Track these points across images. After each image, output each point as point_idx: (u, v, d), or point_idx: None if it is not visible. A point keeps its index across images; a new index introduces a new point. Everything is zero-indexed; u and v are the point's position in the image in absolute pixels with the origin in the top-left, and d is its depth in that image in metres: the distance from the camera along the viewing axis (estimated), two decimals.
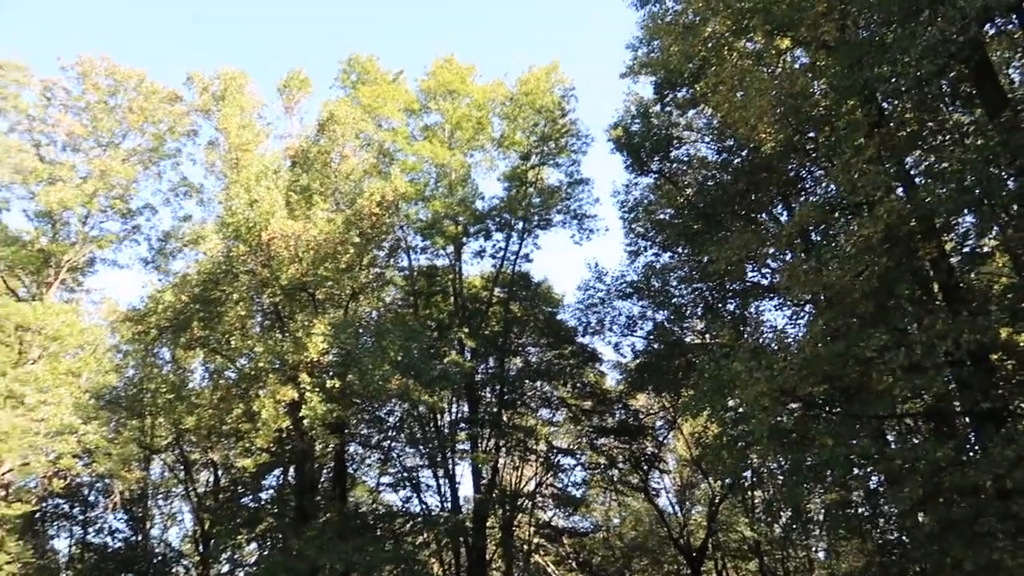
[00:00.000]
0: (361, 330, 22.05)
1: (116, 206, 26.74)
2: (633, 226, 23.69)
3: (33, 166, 25.01)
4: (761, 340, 18.03)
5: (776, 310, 20.99)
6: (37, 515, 25.51)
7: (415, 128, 27.00)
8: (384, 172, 23.86)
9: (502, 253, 27.20)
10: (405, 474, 26.70)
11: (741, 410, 17.00)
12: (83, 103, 26.54)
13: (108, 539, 27.85)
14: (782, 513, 19.43)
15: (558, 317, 28.14)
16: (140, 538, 27.43)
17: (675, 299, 23.25)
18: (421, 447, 26.06)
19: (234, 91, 22.33)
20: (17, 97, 25.48)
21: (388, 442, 26.42)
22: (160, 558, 27.62)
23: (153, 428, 25.60)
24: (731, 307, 21.99)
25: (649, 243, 23.71)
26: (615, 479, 28.96)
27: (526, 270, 27.99)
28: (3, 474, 22.59)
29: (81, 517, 27.93)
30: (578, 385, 28.37)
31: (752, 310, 21.11)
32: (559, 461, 28.99)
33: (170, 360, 25.93)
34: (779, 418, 16.65)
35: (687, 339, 24.43)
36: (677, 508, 30.61)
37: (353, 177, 21.96)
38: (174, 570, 28.27)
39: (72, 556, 28.21)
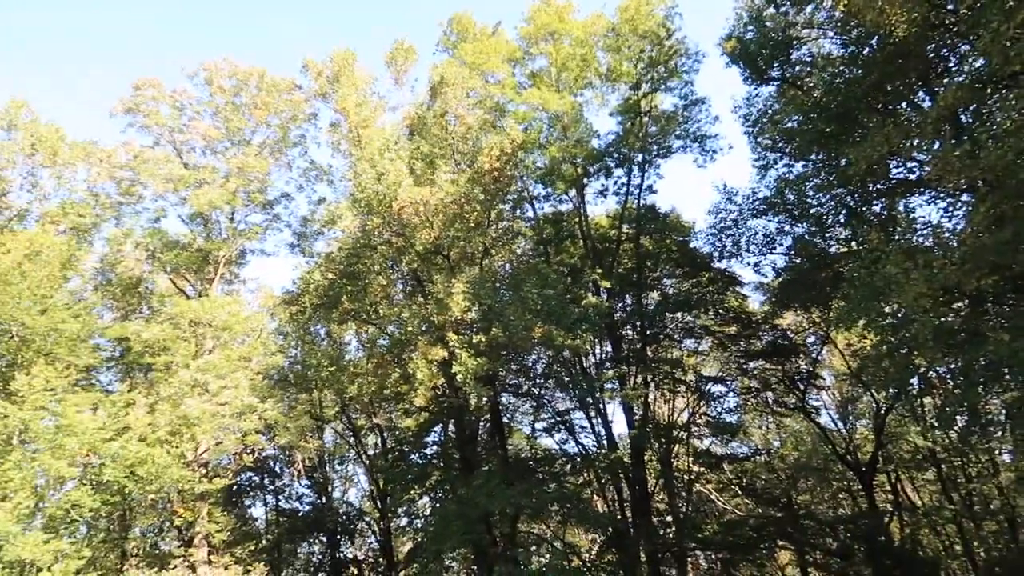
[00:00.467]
0: (498, 284, 22.55)
1: (256, 199, 28.44)
2: (759, 139, 22.66)
3: (180, 174, 26.97)
4: (915, 239, 16.97)
5: (928, 204, 19.60)
6: (235, 488, 28.22)
7: (521, 76, 26.88)
8: (498, 126, 24.00)
9: (625, 189, 26.86)
10: (558, 418, 27.36)
11: (900, 315, 16.18)
12: (212, 107, 28.26)
13: (297, 504, 30.45)
14: (957, 418, 18.39)
15: (691, 245, 27.57)
16: (324, 501, 29.76)
17: (814, 209, 22.17)
18: (570, 390, 26.53)
19: (347, 71, 23.04)
20: (157, 113, 27.45)
21: (538, 389, 27.06)
22: (344, 517, 29.88)
23: (321, 400, 27.47)
24: (877, 209, 20.73)
25: (779, 155, 22.63)
26: (770, 402, 28.39)
27: (652, 202, 27.52)
28: (201, 454, 25.08)
29: (271, 487, 30.65)
30: (720, 311, 27.82)
31: (901, 209, 19.81)
32: (710, 390, 28.71)
33: (326, 336, 27.59)
34: (944, 318, 15.74)
35: (831, 250, 23.29)
36: (840, 424, 29.64)
37: (470, 136, 22.23)
38: (358, 527, 30.55)
39: (268, 521, 31.06)
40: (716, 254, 26.08)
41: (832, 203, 21.81)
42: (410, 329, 21.01)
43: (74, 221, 25.90)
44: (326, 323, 25.60)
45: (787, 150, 22.19)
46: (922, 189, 19.08)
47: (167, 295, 27.65)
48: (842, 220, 22.14)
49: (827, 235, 23.27)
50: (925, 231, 17.01)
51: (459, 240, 21.53)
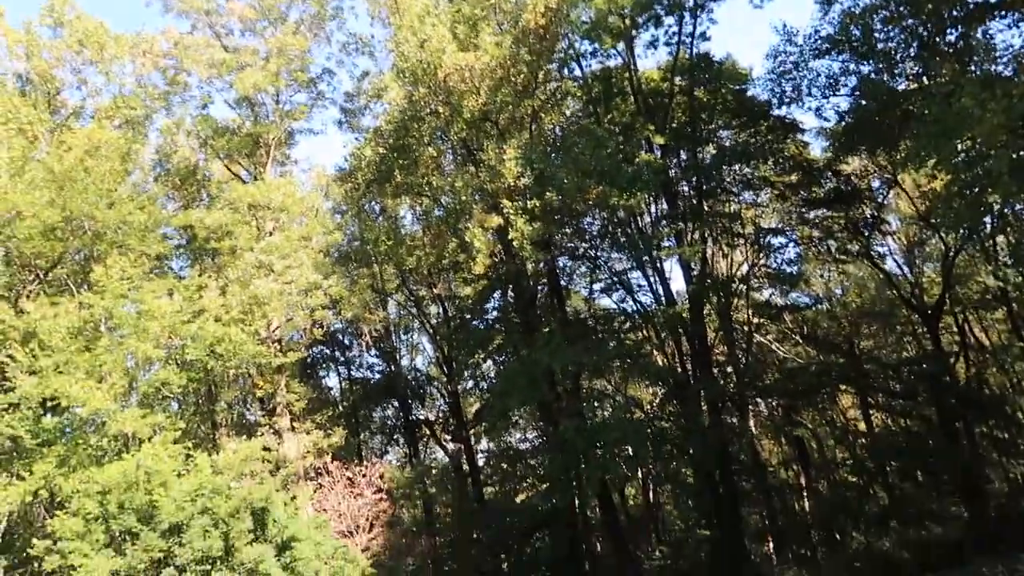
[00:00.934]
0: (549, 148, 22.16)
1: (299, 78, 28.00)
2: None
3: (222, 58, 26.61)
4: (993, 68, 15.84)
5: (1009, 29, 18.12)
6: (308, 360, 29.68)
7: None
8: None
9: (676, 38, 25.41)
10: (615, 278, 27.51)
11: (973, 151, 15.39)
12: None
13: (367, 373, 31.98)
14: None
15: (748, 94, 26.32)
16: (393, 368, 31.12)
17: (881, 45, 20.74)
18: (627, 250, 26.48)
19: None
20: None
21: (594, 251, 27.10)
22: (413, 382, 31.32)
23: (382, 274, 28.12)
24: (952, 38, 19.27)
25: None
26: (832, 250, 27.87)
27: (705, 50, 26.06)
28: (273, 331, 26.27)
29: (342, 358, 32.14)
30: (780, 161, 26.89)
31: (979, 36, 18.36)
32: (769, 241, 28.27)
33: (381, 211, 27.86)
34: (1022, 152, 14.92)
35: (900, 87, 21.96)
36: (905, 269, 29.07)
37: None
38: (427, 391, 32.05)
39: (342, 390, 32.82)
40: (775, 101, 24.91)
41: (902, 36, 20.35)
42: (464, 198, 21.04)
43: (127, 115, 26.11)
44: (380, 198, 25.78)
45: None
46: (1002, 12, 17.57)
47: (223, 181, 28.10)
48: (912, 54, 20.71)
49: (896, 72, 21.88)
50: (1005, 58, 15.85)
51: (507, 105, 21.03)
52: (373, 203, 26.95)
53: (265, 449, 21.95)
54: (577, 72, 25.95)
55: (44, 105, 24.85)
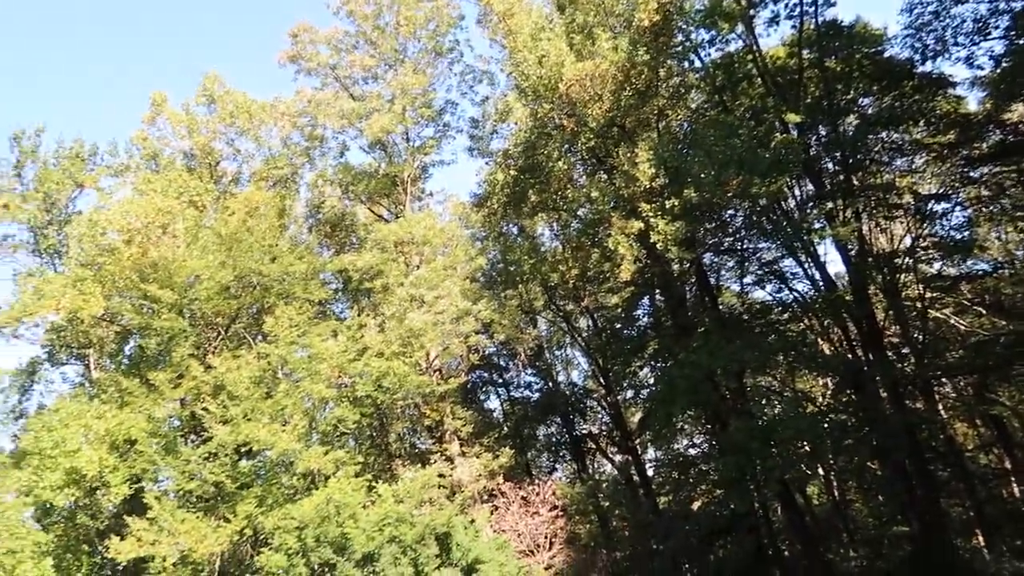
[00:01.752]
0: (680, 144, 21.73)
1: (424, 113, 29.13)
2: None
3: (351, 107, 28.18)
4: None
5: None
6: (468, 386, 30.46)
7: None
8: None
9: (799, 9, 24.23)
10: (766, 269, 26.38)
11: None
12: (363, 37, 28.95)
13: (527, 392, 32.36)
14: None
15: (886, 55, 24.62)
16: (551, 385, 31.32)
17: None
18: (775, 238, 25.36)
19: None
20: (317, 54, 28.67)
21: (740, 243, 26.16)
22: (572, 397, 31.36)
23: (528, 293, 28.49)
24: None
25: None
26: (1007, 207, 25.41)
27: (832, 17, 24.69)
28: (433, 360, 27.19)
29: (500, 380, 32.72)
30: (931, 120, 24.89)
31: None
32: (931, 209, 26.16)
33: (519, 231, 28.30)
34: None
35: None
36: None
37: None
38: (587, 404, 31.98)
39: (504, 411, 33.36)
40: (917, 57, 23.12)
41: None
42: (601, 207, 20.95)
43: (277, 174, 28.19)
44: (517, 219, 26.19)
45: None
46: None
47: (368, 223, 29.58)
48: None
49: None
50: None
51: (632, 107, 20.83)
52: (511, 225, 27.42)
53: (440, 475, 22.64)
54: (697, 63, 25.29)
55: (208, 176, 27.26)
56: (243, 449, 22.01)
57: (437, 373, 27.05)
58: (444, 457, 25.57)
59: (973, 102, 25.75)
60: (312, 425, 23.37)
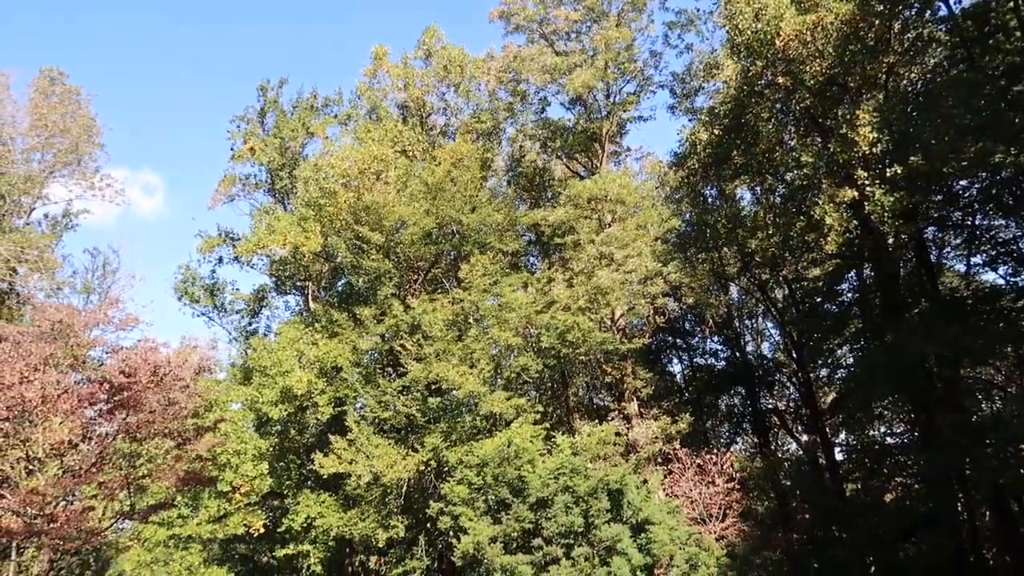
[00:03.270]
0: (910, 106, 19.61)
1: (626, 69, 28.56)
2: None
3: (554, 62, 28.26)
4: None
5: None
6: (652, 347, 30.14)
7: None
8: None
9: None
10: (1001, 249, 23.35)
11: None
12: None
13: (712, 360, 31.43)
14: None
15: None
16: (738, 355, 30.17)
17: None
18: (1016, 215, 22.35)
19: None
20: (524, 9, 28.97)
21: (972, 218, 23.35)
22: (760, 370, 30.03)
23: (722, 258, 27.45)
24: None
25: None
26: None
27: None
28: (618, 319, 27.15)
29: (684, 345, 32.03)
30: None
31: None
32: None
33: (718, 194, 27.21)
34: None
35: None
36: None
37: None
38: (776, 378, 30.50)
39: (686, 377, 32.71)
40: None
41: None
42: (810, 173, 19.54)
43: (481, 128, 29.09)
44: (716, 181, 25.13)
45: None
46: None
47: (564, 179, 29.82)
48: None
49: None
50: None
51: (857, 64, 19.05)
52: (710, 187, 26.39)
53: (616, 433, 22.79)
54: (943, 11, 22.48)
55: (419, 127, 28.73)
56: (433, 386, 23.48)
57: (621, 332, 26.99)
58: (622, 416, 25.66)
59: None
60: (497, 371, 24.35)
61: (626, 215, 27.02)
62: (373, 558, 29.92)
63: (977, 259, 24.67)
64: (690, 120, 26.99)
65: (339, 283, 30.00)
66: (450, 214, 24.82)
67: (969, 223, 23.61)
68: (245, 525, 24.07)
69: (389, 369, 26.00)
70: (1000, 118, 18.43)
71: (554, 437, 21.48)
